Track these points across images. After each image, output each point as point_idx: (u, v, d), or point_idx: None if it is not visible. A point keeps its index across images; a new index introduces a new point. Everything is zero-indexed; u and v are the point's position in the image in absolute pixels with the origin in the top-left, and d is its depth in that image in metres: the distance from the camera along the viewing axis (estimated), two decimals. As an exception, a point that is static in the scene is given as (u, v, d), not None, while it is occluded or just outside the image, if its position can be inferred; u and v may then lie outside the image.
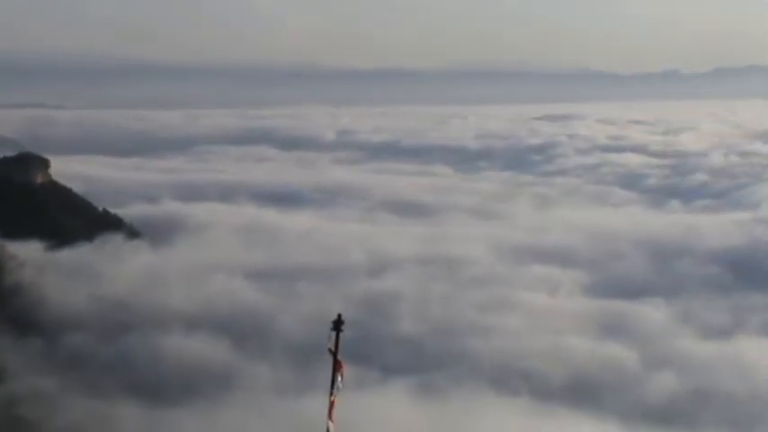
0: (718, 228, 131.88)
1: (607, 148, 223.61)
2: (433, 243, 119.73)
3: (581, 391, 74.68)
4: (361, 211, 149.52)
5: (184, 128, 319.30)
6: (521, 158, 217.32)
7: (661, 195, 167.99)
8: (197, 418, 64.66)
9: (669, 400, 75.67)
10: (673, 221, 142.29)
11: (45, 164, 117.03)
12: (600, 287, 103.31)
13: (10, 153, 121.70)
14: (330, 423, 14.83)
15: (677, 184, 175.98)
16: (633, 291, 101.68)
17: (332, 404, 15.10)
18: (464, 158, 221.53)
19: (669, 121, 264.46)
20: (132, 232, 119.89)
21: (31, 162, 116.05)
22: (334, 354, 15.65)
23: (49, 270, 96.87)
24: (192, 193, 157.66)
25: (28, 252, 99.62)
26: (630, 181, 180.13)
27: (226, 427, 61.29)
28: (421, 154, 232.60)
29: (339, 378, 15.33)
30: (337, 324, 15.37)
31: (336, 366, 15.69)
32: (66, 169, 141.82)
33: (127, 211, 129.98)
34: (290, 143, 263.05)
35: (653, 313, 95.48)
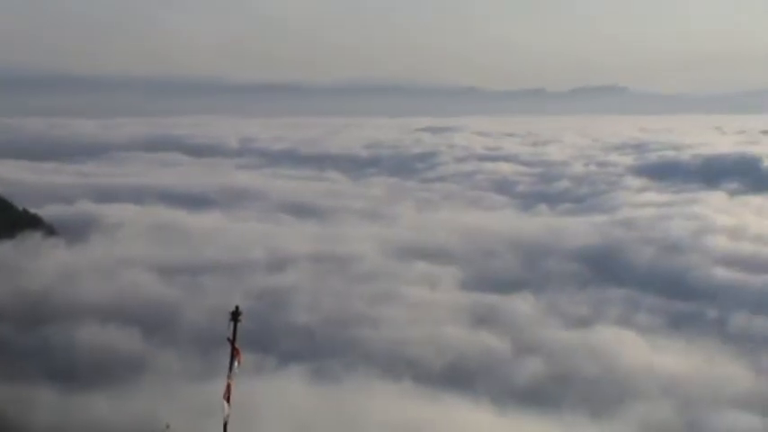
0: (579, 229, 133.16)
1: (483, 158, 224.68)
2: (326, 242, 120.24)
3: (458, 375, 75.08)
4: (262, 212, 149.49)
5: (99, 135, 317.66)
6: (405, 166, 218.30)
7: (530, 200, 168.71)
8: (110, 400, 64.44)
9: (536, 383, 76.24)
10: (540, 223, 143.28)
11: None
12: (475, 282, 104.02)
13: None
14: (225, 404, 15.47)
15: (544, 189, 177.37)
16: (504, 285, 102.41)
17: (228, 387, 15.85)
18: (355, 165, 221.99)
19: (537, 134, 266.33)
20: (50, 230, 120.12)
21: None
22: (232, 342, 16.54)
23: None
24: (106, 194, 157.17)
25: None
26: (503, 187, 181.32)
27: (137, 409, 61.29)
28: (316, 161, 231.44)
29: (236, 363, 16.14)
30: (235, 315, 16.12)
31: (234, 353, 16.52)
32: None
33: (45, 211, 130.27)
34: (198, 150, 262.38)
35: (522, 305, 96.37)
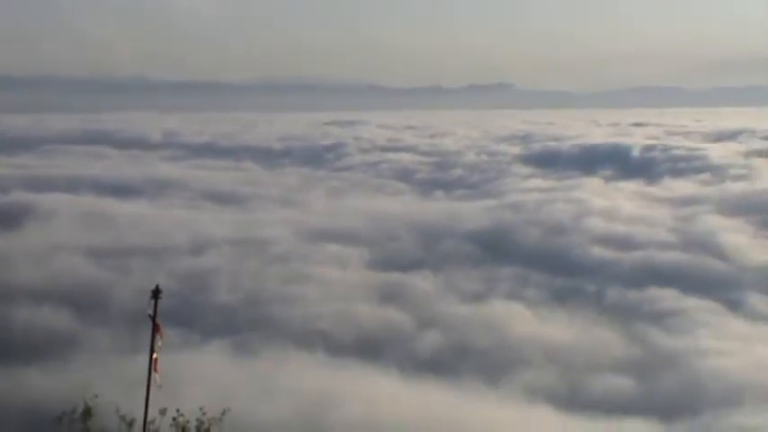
0: (472, 213, 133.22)
1: (385, 149, 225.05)
2: (244, 227, 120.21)
3: (366, 348, 75.05)
4: (185, 200, 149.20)
5: (33, 130, 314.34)
6: (316, 157, 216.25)
7: (428, 187, 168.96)
8: (44, 376, 64.14)
9: (436, 353, 76.22)
10: (437, 208, 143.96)
11: None
12: (380, 262, 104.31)
13: None
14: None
15: (441, 177, 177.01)
16: (406, 264, 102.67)
17: (154, 360, 15.71)
18: (269, 157, 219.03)
19: (434, 127, 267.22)
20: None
21: None
22: (153, 318, 16.36)
23: None
24: (40, 185, 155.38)
25: None
26: (404, 175, 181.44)
27: (69, 383, 60.98)
28: (234, 153, 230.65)
29: (159, 339, 16.03)
30: (155, 293, 16.04)
31: (156, 329, 16.31)
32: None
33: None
34: (124, 143, 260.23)
35: (422, 283, 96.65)
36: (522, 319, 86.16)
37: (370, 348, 75.01)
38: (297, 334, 77.70)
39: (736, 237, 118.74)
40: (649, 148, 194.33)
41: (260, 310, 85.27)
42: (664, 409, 64.78)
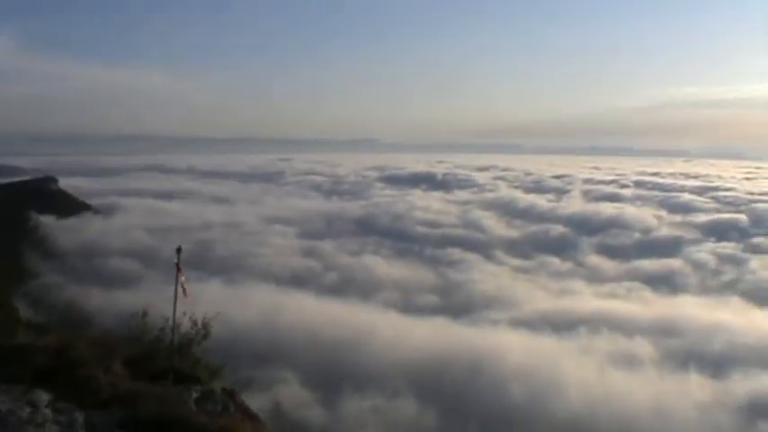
0: (353, 208, 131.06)
1: (306, 173, 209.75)
2: (230, 216, 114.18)
3: (297, 281, 74.22)
4: (199, 201, 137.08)
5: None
6: (269, 177, 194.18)
7: (330, 194, 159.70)
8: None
9: (335, 285, 76.62)
10: (334, 206, 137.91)
11: None
12: (303, 235, 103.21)
13: None
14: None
15: (336, 188, 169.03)
16: (317, 236, 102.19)
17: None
18: (244, 178, 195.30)
19: (332, 161, 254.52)
20: None
21: None
22: (177, 264, 13.34)
23: None
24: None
25: None
26: (316, 188, 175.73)
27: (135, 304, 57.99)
28: (225, 176, 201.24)
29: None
30: (179, 250, 11.16)
31: (179, 270, 10.99)
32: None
33: None
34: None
35: (326, 246, 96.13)
36: (379, 266, 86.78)
37: (299, 281, 74.59)
38: (260, 273, 77.23)
39: (488, 221, 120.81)
40: (446, 174, 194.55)
41: (240, 261, 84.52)
42: (453, 310, 65.89)
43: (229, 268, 78.02)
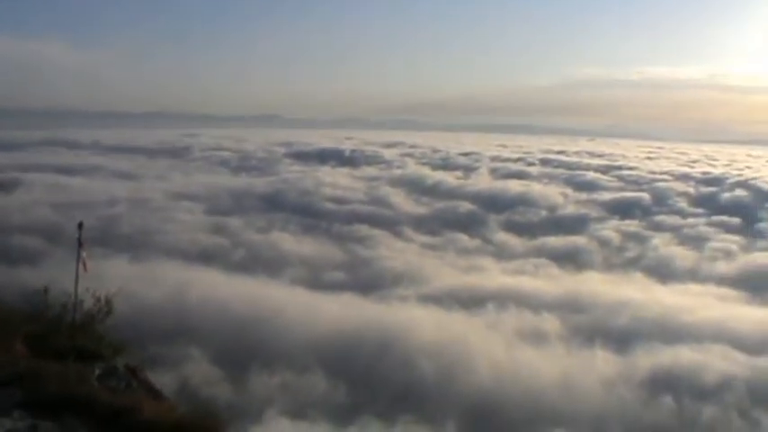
0: (261, 184, 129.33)
1: (214, 149, 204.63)
2: (136, 192, 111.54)
3: (204, 256, 74.08)
4: (106, 176, 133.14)
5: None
6: (177, 153, 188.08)
7: (237, 170, 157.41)
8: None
9: (243, 260, 76.45)
10: (242, 182, 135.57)
11: None
12: (210, 211, 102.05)
13: None
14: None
15: (243, 165, 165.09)
16: (225, 212, 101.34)
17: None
18: (150, 153, 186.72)
19: (238, 137, 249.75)
20: None
21: None
22: (79, 239, 12.27)
23: None
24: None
25: None
26: (224, 164, 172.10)
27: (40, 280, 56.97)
28: (133, 151, 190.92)
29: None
30: (80, 225, 12.45)
31: (80, 246, 12.13)
32: None
33: None
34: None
35: (233, 223, 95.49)
36: (288, 242, 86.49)
37: (206, 258, 73.80)
38: (167, 250, 76.14)
39: (396, 198, 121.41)
40: (354, 151, 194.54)
41: (146, 237, 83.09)
42: (361, 286, 65.85)
43: (135, 245, 76.27)
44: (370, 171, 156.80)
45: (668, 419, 41.62)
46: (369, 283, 68.33)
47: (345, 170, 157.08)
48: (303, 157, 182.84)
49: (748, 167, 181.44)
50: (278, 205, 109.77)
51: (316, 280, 69.08)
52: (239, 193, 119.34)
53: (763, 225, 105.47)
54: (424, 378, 43.44)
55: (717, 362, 48.07)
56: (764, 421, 40.85)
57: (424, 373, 43.96)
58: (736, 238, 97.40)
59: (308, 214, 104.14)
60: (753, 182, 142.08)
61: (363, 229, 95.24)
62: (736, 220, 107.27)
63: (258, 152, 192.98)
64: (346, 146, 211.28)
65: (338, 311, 55.58)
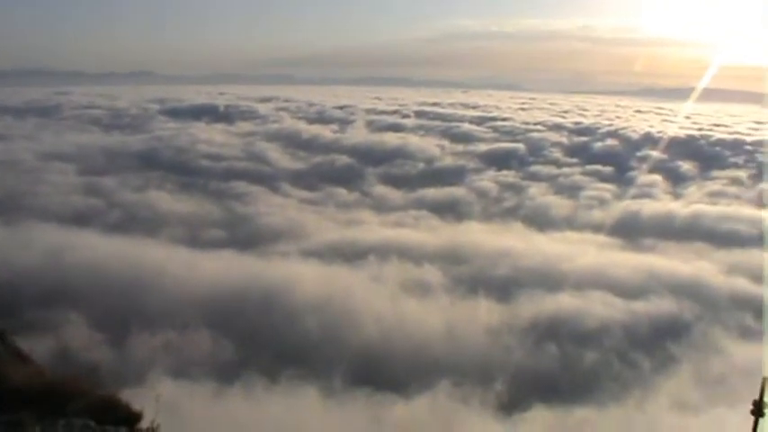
0: (134, 142, 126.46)
1: (85, 107, 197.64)
2: (6, 154, 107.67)
3: (76, 218, 71.84)
4: None
5: None
6: (47, 111, 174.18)
7: (110, 128, 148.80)
8: None
9: (95, 211, 76.45)
10: (115, 139, 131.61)
11: None
12: (84, 171, 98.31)
13: None
14: None
15: (116, 123, 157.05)
16: (100, 171, 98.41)
17: None
18: (19, 112, 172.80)
19: (110, 95, 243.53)
20: None
21: None
22: None
23: None
24: None
25: None
26: (95, 121, 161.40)
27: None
28: None
29: None
30: None
31: None
32: None
33: None
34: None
35: (108, 181, 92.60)
36: (164, 201, 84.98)
37: (81, 219, 71.30)
38: (40, 212, 72.67)
39: (273, 153, 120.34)
40: (229, 106, 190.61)
41: (17, 200, 79.42)
42: (241, 243, 65.50)
43: (6, 208, 72.86)
44: (246, 127, 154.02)
45: (552, 365, 42.75)
46: (249, 239, 67.67)
47: (220, 126, 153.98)
48: (177, 113, 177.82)
49: (618, 117, 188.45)
50: (153, 163, 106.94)
51: (195, 238, 67.96)
52: (113, 151, 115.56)
53: (634, 174, 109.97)
54: (308, 333, 43.43)
55: (596, 307, 49.85)
56: (643, 364, 42.46)
57: (309, 328, 43.99)
58: (610, 186, 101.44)
59: (185, 172, 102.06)
60: (623, 132, 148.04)
61: (241, 186, 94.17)
62: (608, 169, 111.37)
63: (131, 109, 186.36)
64: (220, 101, 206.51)
65: (219, 269, 54.90)
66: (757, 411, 8.33)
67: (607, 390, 38.75)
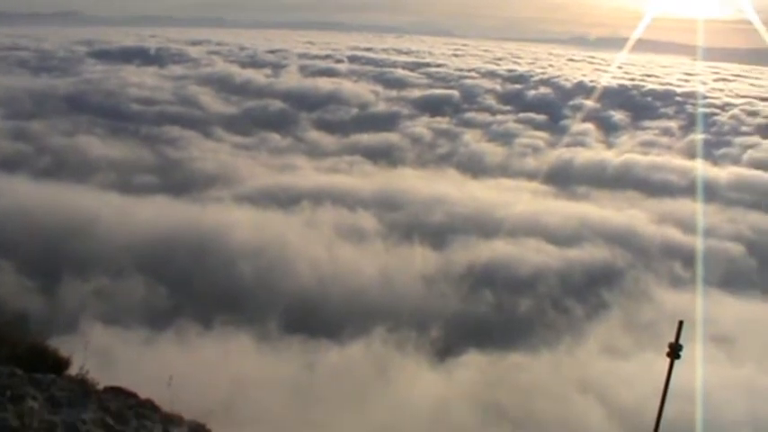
0: (63, 85, 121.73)
1: (6, 48, 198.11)
2: None
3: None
4: None
5: None
6: None
7: (38, 71, 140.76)
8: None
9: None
10: (42, 82, 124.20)
11: None
12: (8, 115, 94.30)
13: None
14: None
15: (45, 65, 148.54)
16: (26, 116, 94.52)
17: None
18: None
19: (34, 36, 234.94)
20: None
21: None
22: None
23: None
24: None
25: None
26: (22, 64, 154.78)
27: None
28: None
29: None
30: None
31: None
32: None
33: None
34: None
35: (35, 126, 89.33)
36: (95, 146, 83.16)
37: (9, 165, 68.51)
38: None
39: (205, 97, 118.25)
40: (160, 49, 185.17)
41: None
42: (174, 189, 64.56)
43: None
44: (177, 70, 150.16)
45: (486, 311, 43.20)
46: (182, 185, 66.61)
47: (151, 69, 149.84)
48: (106, 56, 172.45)
49: (551, 66, 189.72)
50: (83, 107, 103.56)
51: (126, 184, 66.80)
52: (40, 95, 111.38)
53: (567, 122, 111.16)
54: (242, 279, 43.28)
55: (530, 254, 50.52)
56: (575, 310, 43.22)
57: (243, 274, 43.81)
58: (543, 134, 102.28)
59: (115, 116, 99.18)
60: (556, 80, 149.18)
61: (173, 131, 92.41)
62: (542, 117, 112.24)
63: (58, 51, 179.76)
64: (151, 44, 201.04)
65: (152, 215, 54.24)
66: (672, 353, 8.61)
67: (540, 335, 39.20)
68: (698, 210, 63.28)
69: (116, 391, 8.24)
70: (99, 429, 7.15)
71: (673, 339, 8.63)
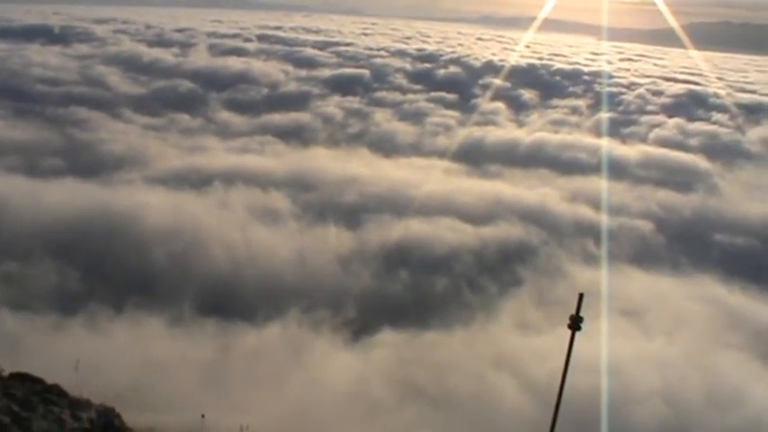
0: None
1: None
2: None
3: None
4: None
5: None
6: None
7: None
8: None
9: None
10: None
11: None
12: None
13: None
14: None
15: None
16: None
17: None
18: None
19: None
20: None
21: None
22: None
23: None
24: None
25: None
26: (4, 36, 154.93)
27: None
28: None
29: None
30: None
31: None
32: None
33: None
34: None
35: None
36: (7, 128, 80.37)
37: None
38: None
39: (112, 77, 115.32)
40: (64, 27, 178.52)
41: None
42: (83, 171, 63.11)
43: None
44: (83, 49, 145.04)
45: (400, 290, 43.28)
46: (90, 167, 64.69)
47: (56, 48, 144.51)
48: (7, 34, 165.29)
49: (460, 45, 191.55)
50: None
51: (33, 167, 64.43)
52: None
53: (477, 101, 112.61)
54: (154, 261, 42.66)
55: (444, 233, 50.84)
56: (489, 287, 43.49)
57: (155, 257, 43.17)
58: (454, 113, 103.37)
59: (19, 97, 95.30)
60: (465, 59, 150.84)
61: (80, 112, 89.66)
62: (452, 96, 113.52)
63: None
64: (54, 21, 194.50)
65: (61, 198, 52.68)
66: (573, 325, 9.18)
67: (455, 313, 39.50)
68: (606, 187, 64.81)
69: (22, 378, 8.28)
70: (5, 416, 7.18)
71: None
